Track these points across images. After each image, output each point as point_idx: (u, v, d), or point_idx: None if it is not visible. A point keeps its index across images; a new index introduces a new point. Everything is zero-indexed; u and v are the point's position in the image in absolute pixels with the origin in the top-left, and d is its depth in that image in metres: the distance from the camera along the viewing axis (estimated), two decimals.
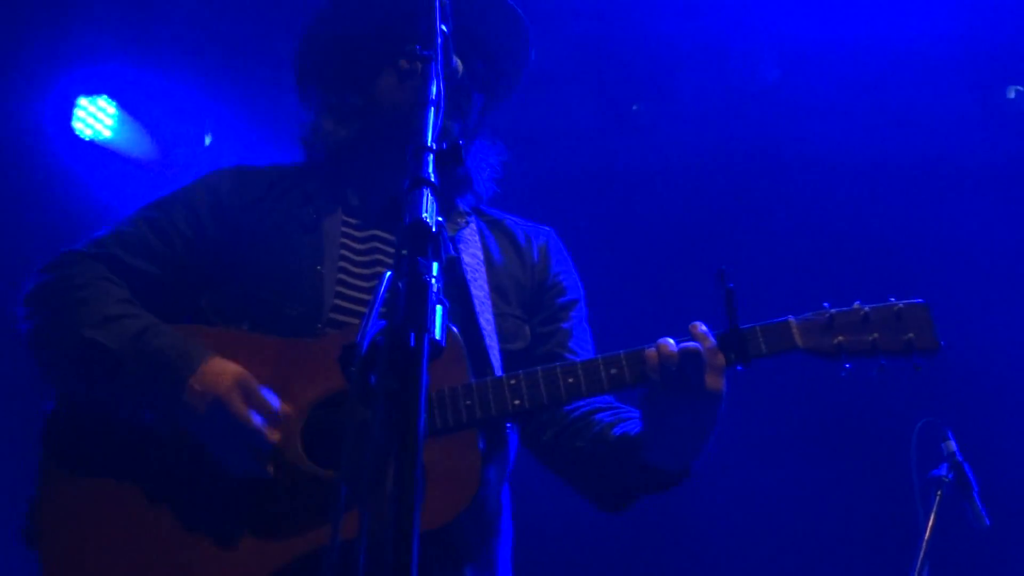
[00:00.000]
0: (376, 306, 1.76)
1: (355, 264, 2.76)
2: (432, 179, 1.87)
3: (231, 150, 5.76)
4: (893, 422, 3.71)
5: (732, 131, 5.84)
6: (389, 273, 1.79)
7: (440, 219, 1.85)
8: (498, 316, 2.81)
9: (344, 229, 2.80)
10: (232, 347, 2.56)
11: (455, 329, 2.57)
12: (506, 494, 2.82)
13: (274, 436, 2.46)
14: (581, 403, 2.75)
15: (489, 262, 2.90)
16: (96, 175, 5.68)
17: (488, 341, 2.73)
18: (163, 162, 5.78)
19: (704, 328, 2.49)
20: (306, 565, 2.42)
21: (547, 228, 3.10)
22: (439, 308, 1.76)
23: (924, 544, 3.22)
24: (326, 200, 2.84)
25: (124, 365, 2.51)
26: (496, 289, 2.85)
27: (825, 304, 2.56)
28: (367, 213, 2.85)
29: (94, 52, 5.39)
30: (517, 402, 2.52)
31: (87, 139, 5.57)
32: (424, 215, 1.79)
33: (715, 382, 2.45)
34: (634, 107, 5.87)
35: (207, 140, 5.72)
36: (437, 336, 1.73)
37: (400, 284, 1.75)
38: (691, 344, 2.45)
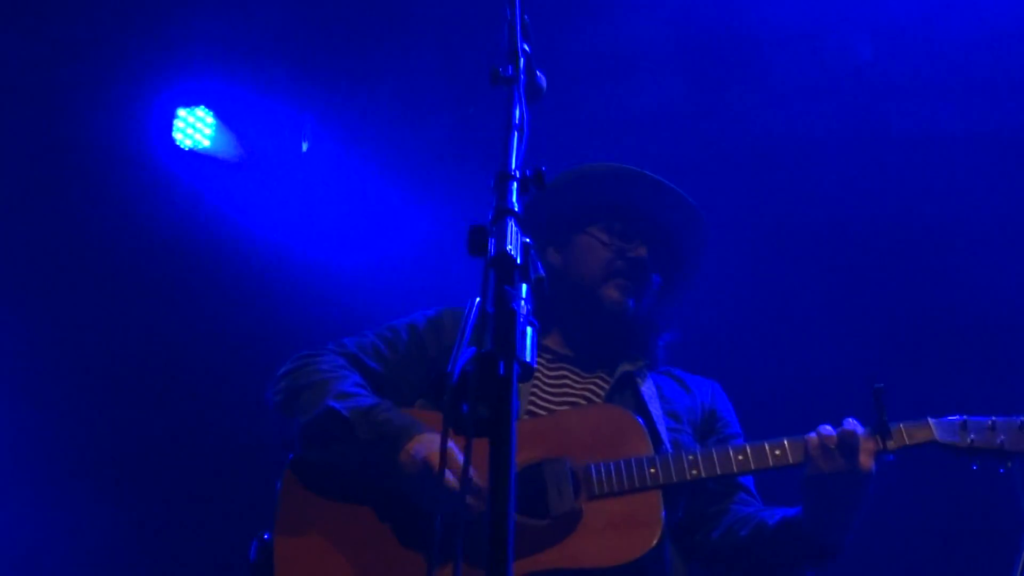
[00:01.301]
0: (467, 335, 1.80)
1: (545, 385, 3.27)
2: (516, 208, 1.89)
3: (326, 157, 5.85)
4: None
5: (826, 114, 5.72)
6: (478, 300, 1.82)
7: (528, 240, 1.89)
8: (672, 431, 3.25)
9: (539, 360, 3.12)
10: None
11: (639, 420, 3.09)
12: None
13: (470, 488, 2.83)
14: (737, 510, 3.22)
15: (662, 397, 3.36)
16: (196, 183, 5.82)
17: (668, 445, 3.15)
18: (260, 169, 5.89)
19: (856, 420, 2.95)
20: None
21: (713, 380, 3.56)
22: (529, 330, 1.79)
23: None
24: None
25: (355, 430, 2.99)
26: (669, 414, 3.31)
27: (959, 416, 3.01)
28: (556, 353, 3.38)
29: (192, 65, 5.52)
30: (695, 471, 2.99)
31: (187, 149, 5.70)
32: (508, 247, 1.81)
33: (867, 462, 2.90)
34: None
35: (304, 147, 5.80)
36: (527, 358, 1.76)
37: (488, 311, 1.78)
38: (847, 428, 2.92)
